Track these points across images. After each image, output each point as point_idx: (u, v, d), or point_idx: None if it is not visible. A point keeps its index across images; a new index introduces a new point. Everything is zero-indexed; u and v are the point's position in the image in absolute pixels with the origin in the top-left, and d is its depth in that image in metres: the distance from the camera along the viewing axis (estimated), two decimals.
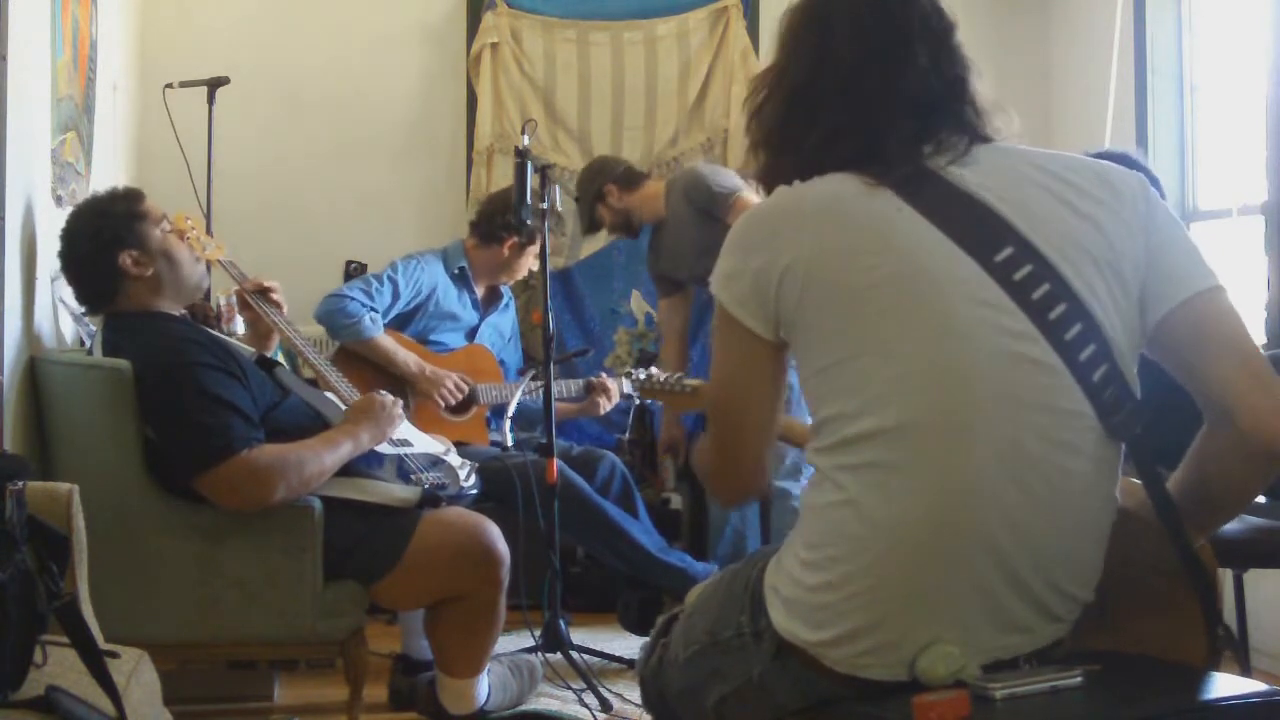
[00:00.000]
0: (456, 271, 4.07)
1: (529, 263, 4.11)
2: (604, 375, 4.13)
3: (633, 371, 2.63)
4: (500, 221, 3.98)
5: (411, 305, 3.97)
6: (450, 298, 4.05)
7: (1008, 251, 1.49)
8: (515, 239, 3.99)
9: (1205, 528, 1.61)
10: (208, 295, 3.48)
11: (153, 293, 2.77)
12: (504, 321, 4.26)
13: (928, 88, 1.58)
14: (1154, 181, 2.63)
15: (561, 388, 3.89)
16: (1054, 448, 1.49)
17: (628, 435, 4.58)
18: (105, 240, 2.74)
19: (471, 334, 4.12)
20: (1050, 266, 1.49)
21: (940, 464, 1.47)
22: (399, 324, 3.96)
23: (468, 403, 3.94)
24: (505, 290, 4.25)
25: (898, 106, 1.57)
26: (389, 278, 3.92)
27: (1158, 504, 1.56)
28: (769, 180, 1.63)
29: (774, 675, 1.56)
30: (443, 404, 3.86)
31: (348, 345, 3.83)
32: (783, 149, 1.64)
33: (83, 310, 3.19)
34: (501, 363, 4.16)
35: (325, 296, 3.81)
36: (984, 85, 1.62)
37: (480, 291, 4.14)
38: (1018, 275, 1.49)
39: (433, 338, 4.02)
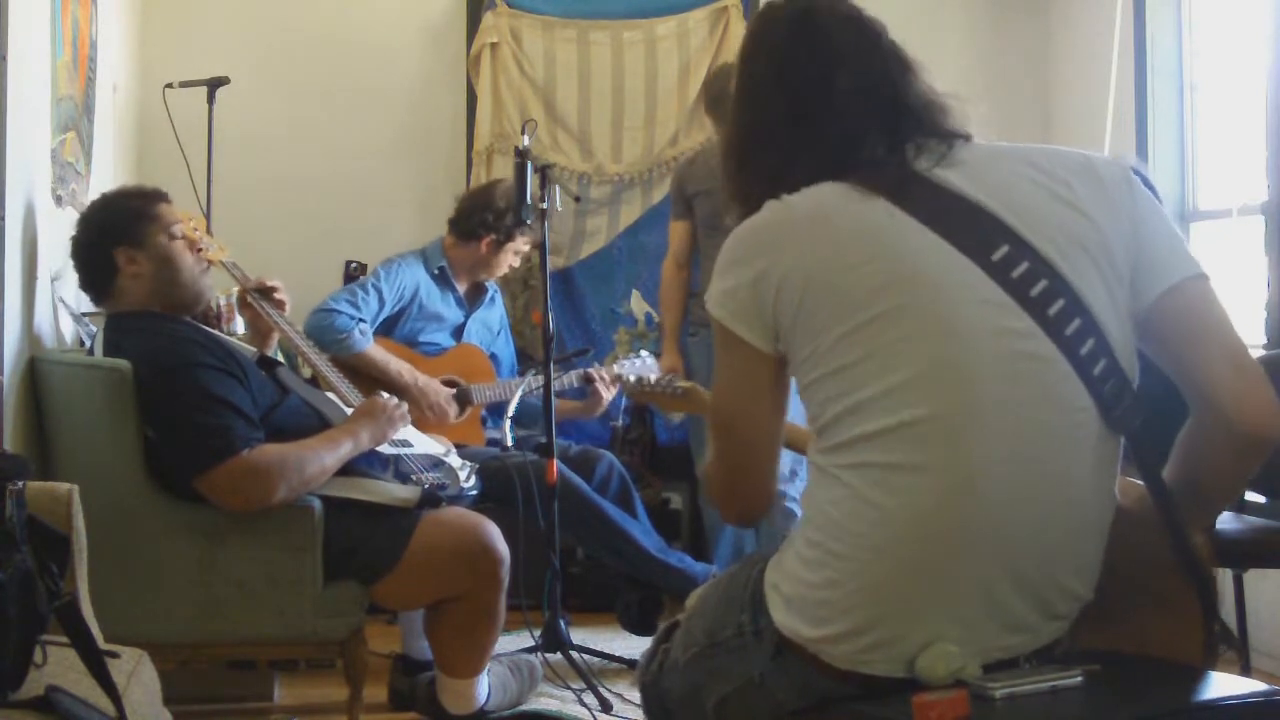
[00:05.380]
0: (437, 271, 4.05)
1: (509, 260, 4.09)
2: (597, 366, 4.11)
3: (626, 378, 2.62)
4: (478, 219, 3.98)
5: (396, 309, 3.96)
6: (434, 298, 4.04)
7: (1004, 250, 1.50)
8: (492, 236, 3.99)
9: (1197, 520, 1.62)
10: None
11: (146, 295, 2.76)
12: (491, 316, 4.25)
13: (864, 88, 1.59)
14: (1151, 189, 2.64)
15: (560, 382, 3.89)
16: (1057, 444, 1.49)
17: (621, 422, 4.58)
18: (106, 232, 2.77)
19: (458, 332, 4.10)
20: (1046, 262, 1.50)
21: (945, 462, 1.47)
22: (386, 328, 3.95)
23: (460, 405, 3.93)
24: (490, 284, 4.23)
25: (844, 110, 1.58)
26: (373, 286, 3.90)
27: (1157, 501, 1.56)
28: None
29: (774, 674, 1.56)
30: (431, 417, 3.85)
31: (338, 358, 3.81)
32: (755, 192, 1.63)
33: (83, 311, 3.19)
34: (493, 356, 4.15)
35: (312, 311, 3.78)
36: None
37: (463, 289, 4.13)
38: (1015, 273, 1.49)
39: (422, 339, 4.00)
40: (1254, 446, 1.53)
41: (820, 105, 1.59)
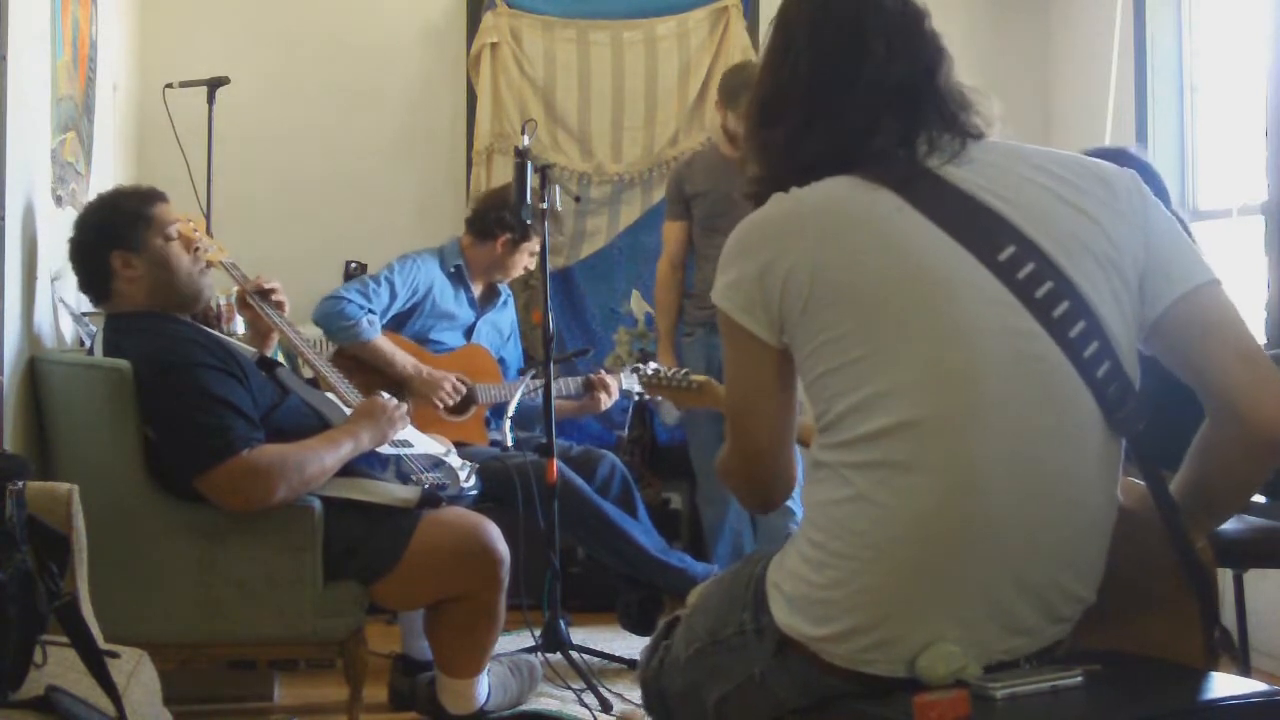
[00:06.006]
0: (453, 270, 4.06)
1: (524, 260, 4.10)
2: (603, 372, 4.12)
3: (639, 367, 2.62)
4: (494, 218, 3.98)
5: (408, 305, 3.97)
6: (447, 296, 4.04)
7: (1010, 250, 1.50)
8: (508, 236, 3.99)
9: (1206, 524, 1.62)
10: None
11: (143, 297, 2.76)
12: (502, 319, 4.25)
13: (892, 78, 1.57)
14: (1151, 173, 2.64)
15: (560, 385, 3.89)
16: (1060, 446, 1.49)
17: (626, 432, 4.58)
18: (102, 235, 2.76)
19: (469, 332, 4.11)
20: (1052, 264, 1.49)
21: (947, 462, 1.47)
22: (397, 324, 3.96)
23: (466, 403, 3.94)
24: (503, 288, 4.24)
25: (865, 102, 1.57)
26: (386, 278, 3.91)
27: (1160, 503, 1.56)
28: (760, 195, 1.62)
29: (775, 673, 1.56)
30: (441, 406, 3.86)
31: (345, 348, 3.83)
32: (764, 161, 1.65)
33: (83, 311, 3.19)
34: (501, 360, 4.15)
35: (322, 299, 3.80)
36: (962, 73, 1.62)
37: (477, 290, 4.13)
38: (1021, 274, 1.49)
39: (431, 337, 4.01)
40: (1268, 446, 1.53)
41: (847, 84, 1.58)
